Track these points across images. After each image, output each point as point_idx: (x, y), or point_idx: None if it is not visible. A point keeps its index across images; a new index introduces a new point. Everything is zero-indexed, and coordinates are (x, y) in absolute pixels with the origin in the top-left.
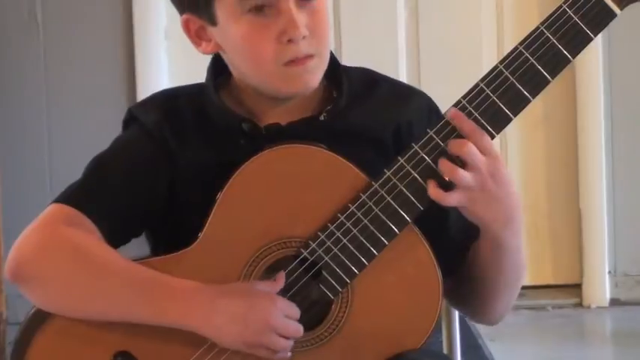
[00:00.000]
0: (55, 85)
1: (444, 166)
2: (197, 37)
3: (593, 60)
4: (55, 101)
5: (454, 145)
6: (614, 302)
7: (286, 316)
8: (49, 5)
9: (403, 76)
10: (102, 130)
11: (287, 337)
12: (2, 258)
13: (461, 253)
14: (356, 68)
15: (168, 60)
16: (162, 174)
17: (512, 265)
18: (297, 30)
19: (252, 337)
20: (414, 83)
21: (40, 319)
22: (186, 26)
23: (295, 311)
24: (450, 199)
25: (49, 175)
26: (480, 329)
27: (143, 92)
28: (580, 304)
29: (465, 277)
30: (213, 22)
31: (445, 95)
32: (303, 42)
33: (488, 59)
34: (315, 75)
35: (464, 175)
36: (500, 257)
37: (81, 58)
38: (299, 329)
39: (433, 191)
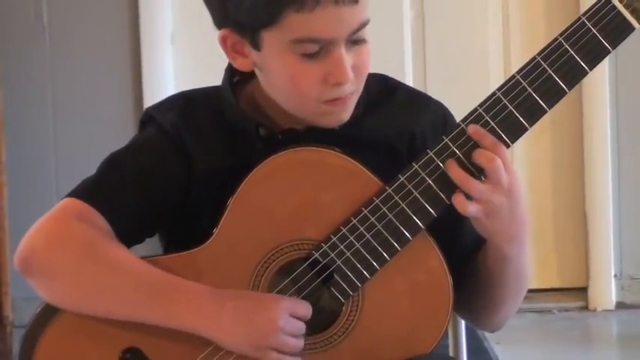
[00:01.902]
0: (61, 87)
1: (461, 179)
2: (233, 51)
3: (599, 64)
4: (62, 103)
5: (482, 158)
6: (620, 305)
7: (293, 314)
8: (55, 8)
9: (409, 78)
10: (108, 133)
11: (295, 336)
12: (8, 260)
13: (468, 261)
14: (373, 74)
15: (174, 64)
16: (178, 175)
17: (515, 275)
18: (347, 75)
19: (258, 339)
20: (420, 85)
21: (48, 315)
22: (223, 41)
23: (303, 307)
24: (470, 209)
25: (55, 178)
26: (486, 332)
27: (149, 96)
28: (586, 308)
29: (468, 285)
30: (256, 47)
31: (452, 99)
32: (347, 83)
33: (495, 62)
34: (350, 111)
35: (481, 189)
36: (503, 268)
37: (87, 61)
38: (302, 327)
39: (457, 198)
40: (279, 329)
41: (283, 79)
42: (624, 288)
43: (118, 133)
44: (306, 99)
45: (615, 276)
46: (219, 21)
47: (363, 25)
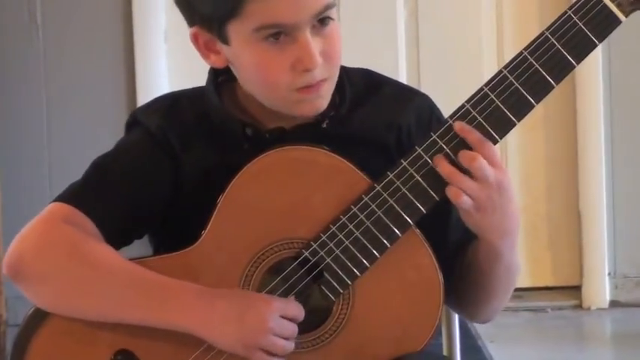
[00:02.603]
0: (54, 86)
1: (450, 175)
2: (206, 49)
3: (592, 60)
4: (55, 103)
5: (464, 158)
6: (614, 304)
7: (284, 315)
8: (49, 7)
9: (403, 78)
10: (101, 132)
11: (285, 338)
12: (2, 259)
13: (456, 255)
14: (357, 70)
15: (168, 62)
16: (166, 177)
17: (505, 270)
18: (314, 60)
19: (248, 339)
20: (413, 84)
21: (39, 318)
22: (195, 39)
23: (294, 308)
24: (464, 199)
25: (49, 178)
26: (480, 331)
27: (143, 94)
28: (580, 306)
29: (459, 279)
30: (225, 41)
31: (445, 96)
32: (317, 69)
33: (488, 60)
34: (326, 98)
35: (470, 186)
36: (494, 263)
37: (81, 60)
38: (294, 329)
39: (451, 189)
40: (269, 330)
41: (253, 69)
42: (618, 286)
43: (112, 131)
44: (277, 88)
45: (609, 274)
46: (189, 19)
47: (328, 7)
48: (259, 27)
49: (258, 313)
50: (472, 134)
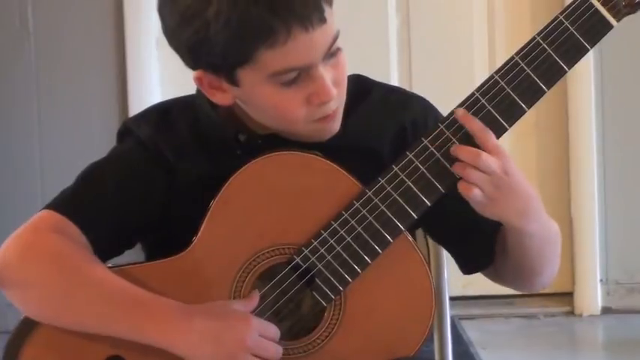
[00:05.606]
0: (46, 92)
1: (458, 169)
2: (210, 88)
3: (584, 67)
4: (47, 109)
5: (465, 155)
6: (606, 310)
7: (262, 335)
8: (40, 13)
9: (395, 83)
10: (93, 137)
11: (265, 357)
12: None
13: (495, 240)
14: (349, 75)
15: (160, 68)
16: (158, 186)
17: (541, 241)
18: (330, 94)
19: (226, 358)
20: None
21: (30, 324)
22: (199, 81)
23: (272, 330)
24: (475, 195)
25: (41, 184)
26: (472, 338)
27: (135, 100)
28: (571, 313)
29: (503, 262)
30: (234, 84)
31: (437, 102)
32: (332, 100)
33: (480, 65)
34: (339, 120)
35: (480, 177)
36: (526, 241)
37: (72, 66)
38: (278, 350)
39: (463, 185)
40: (248, 349)
41: (268, 109)
42: (610, 293)
43: (103, 137)
44: (294, 123)
45: (601, 281)
46: (191, 64)
47: (335, 39)
48: (274, 73)
49: (236, 332)
50: (474, 123)
